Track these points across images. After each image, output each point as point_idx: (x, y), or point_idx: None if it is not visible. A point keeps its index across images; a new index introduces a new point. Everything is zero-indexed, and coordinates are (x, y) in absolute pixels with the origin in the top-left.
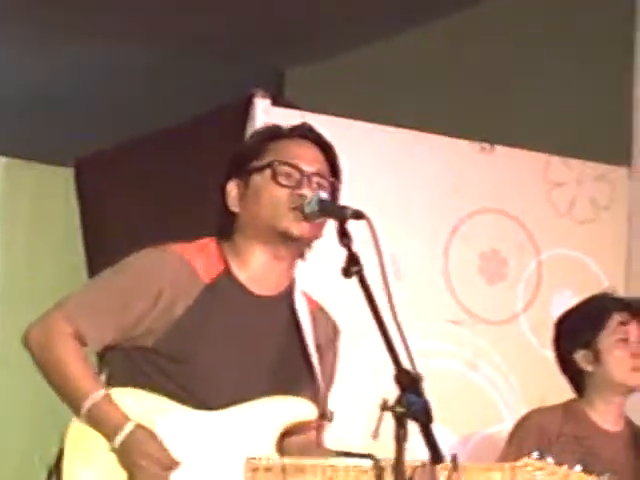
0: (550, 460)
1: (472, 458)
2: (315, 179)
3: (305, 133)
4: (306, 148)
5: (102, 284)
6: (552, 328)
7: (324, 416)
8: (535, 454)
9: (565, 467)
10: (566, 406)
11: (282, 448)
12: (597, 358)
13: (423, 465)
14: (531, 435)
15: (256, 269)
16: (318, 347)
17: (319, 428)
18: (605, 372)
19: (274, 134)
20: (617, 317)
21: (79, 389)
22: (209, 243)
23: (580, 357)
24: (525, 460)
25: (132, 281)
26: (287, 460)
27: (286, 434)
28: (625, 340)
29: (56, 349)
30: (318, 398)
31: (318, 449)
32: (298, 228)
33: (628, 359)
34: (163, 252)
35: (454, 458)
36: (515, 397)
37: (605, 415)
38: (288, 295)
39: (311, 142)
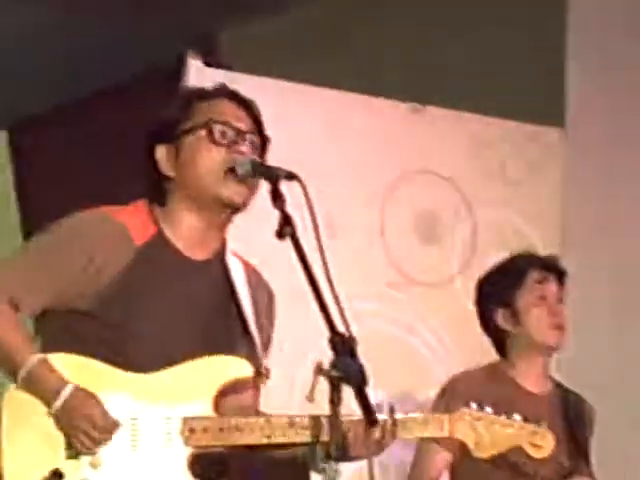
0: (489, 410)
1: None
2: (248, 136)
3: (228, 93)
4: (233, 107)
5: (34, 249)
6: (474, 288)
7: (260, 374)
8: (474, 405)
9: (504, 416)
10: (489, 369)
11: (219, 408)
12: (516, 317)
13: (359, 421)
14: (456, 401)
15: (189, 232)
16: (254, 309)
17: (256, 387)
18: (524, 331)
19: (199, 95)
20: (534, 275)
21: (15, 356)
22: (141, 206)
23: (500, 317)
24: (463, 410)
25: (63, 244)
26: (224, 419)
27: (223, 393)
28: (543, 298)
29: None
30: (255, 357)
31: (255, 409)
32: (232, 193)
33: (546, 317)
34: (94, 216)
35: (391, 410)
36: (451, 360)
37: (528, 376)
38: (221, 258)
39: (235, 101)
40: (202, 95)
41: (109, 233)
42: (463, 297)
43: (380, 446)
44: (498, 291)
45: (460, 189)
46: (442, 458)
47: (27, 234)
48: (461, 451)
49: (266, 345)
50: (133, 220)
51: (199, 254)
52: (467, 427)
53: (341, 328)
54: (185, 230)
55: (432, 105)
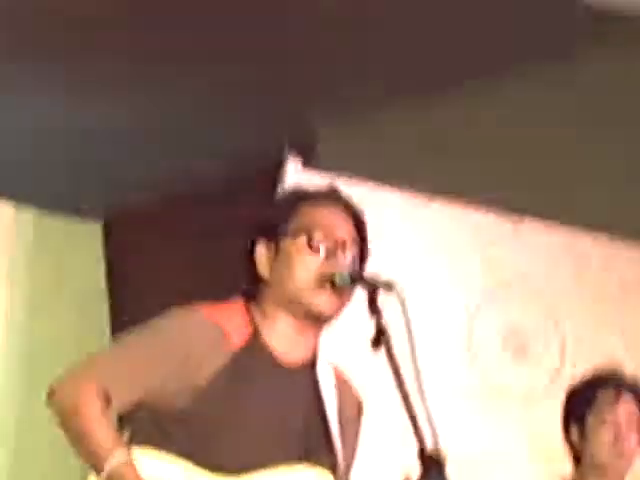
0: None
1: None
2: (347, 247)
3: (334, 198)
4: (337, 214)
5: (128, 346)
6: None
7: None
8: None
9: None
10: None
11: None
12: (585, 436)
13: None
14: None
15: (282, 336)
16: (340, 421)
17: None
18: (589, 451)
19: (304, 197)
20: (608, 394)
21: (101, 451)
22: (238, 304)
23: (573, 433)
24: None
25: (158, 344)
26: None
27: None
28: (614, 420)
29: (80, 407)
30: (337, 471)
31: None
32: (324, 304)
33: (611, 441)
34: (192, 314)
35: None
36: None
37: None
38: (312, 365)
39: (341, 207)
40: (305, 197)
41: (206, 334)
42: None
43: None
44: (574, 407)
45: (552, 305)
46: None
47: (116, 331)
48: None
49: (349, 460)
50: (229, 321)
51: (292, 359)
52: None
53: (430, 444)
54: (279, 332)
55: (530, 217)
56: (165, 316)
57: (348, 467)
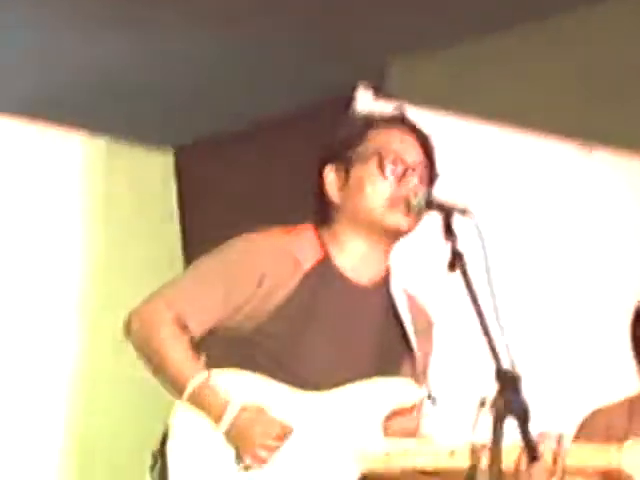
0: None
1: None
2: (417, 171)
3: (402, 122)
4: (406, 139)
5: (203, 270)
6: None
7: (429, 398)
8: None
9: None
10: (628, 402)
11: (386, 431)
12: None
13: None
14: (598, 434)
15: (354, 257)
16: (416, 335)
17: (420, 411)
18: None
19: (372, 123)
20: None
21: (179, 374)
22: (308, 229)
23: None
24: (631, 441)
25: (233, 268)
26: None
27: (391, 416)
28: None
29: (157, 336)
30: (419, 381)
31: (418, 433)
32: (406, 223)
33: None
34: (262, 239)
35: (559, 439)
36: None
37: None
38: (385, 284)
39: (409, 132)
40: (378, 122)
41: (277, 258)
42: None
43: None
44: None
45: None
46: None
47: (188, 256)
48: None
49: (424, 372)
50: (300, 244)
51: (364, 278)
52: (636, 459)
53: (506, 363)
54: (351, 254)
55: (601, 146)
56: (237, 241)
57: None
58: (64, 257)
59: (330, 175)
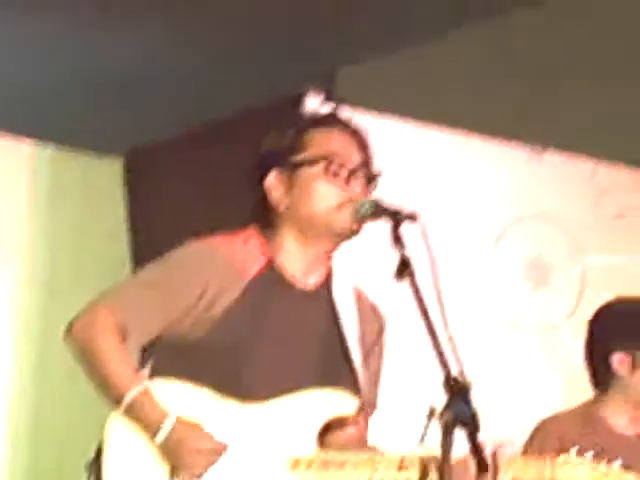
0: (588, 456)
1: None
2: (360, 172)
3: (340, 122)
4: (346, 139)
5: (147, 278)
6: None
7: (363, 410)
8: (573, 451)
9: (604, 463)
10: (580, 409)
11: (323, 443)
12: (635, 365)
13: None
14: (548, 441)
15: (299, 261)
16: (362, 339)
17: (357, 423)
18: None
19: (308, 123)
20: None
21: (118, 384)
22: (252, 235)
23: (616, 360)
24: (564, 457)
25: (176, 276)
26: (329, 454)
27: (328, 428)
28: None
29: (97, 343)
30: (358, 391)
31: (362, 443)
32: (346, 224)
33: None
34: (206, 247)
35: (494, 455)
36: (558, 405)
37: (621, 417)
38: (328, 287)
39: (347, 131)
40: (315, 122)
41: (221, 266)
42: (570, 342)
43: None
44: (619, 334)
45: (573, 234)
46: None
47: (137, 264)
48: None
49: (373, 379)
50: (244, 251)
51: (309, 282)
52: (568, 473)
53: (455, 372)
54: (295, 258)
55: (549, 148)
56: (180, 250)
57: (374, 385)
58: (9, 267)
59: (272, 181)
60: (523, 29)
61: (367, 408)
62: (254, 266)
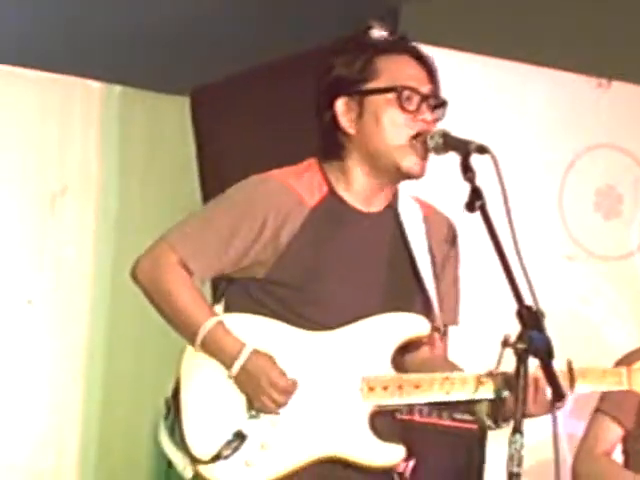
0: None
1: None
2: (431, 101)
3: (408, 48)
4: (416, 66)
5: (205, 215)
6: None
7: (437, 330)
8: None
9: None
10: None
11: (400, 365)
12: None
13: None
14: None
15: (361, 189)
16: (432, 255)
17: (433, 343)
18: None
19: (378, 50)
20: None
21: (191, 319)
22: (312, 165)
23: None
24: None
25: (235, 212)
26: (403, 376)
27: (404, 350)
28: None
29: (165, 279)
30: (431, 312)
31: (443, 363)
32: (420, 168)
33: None
34: (264, 180)
35: (569, 363)
36: (627, 334)
37: None
38: (394, 209)
39: (415, 58)
40: (385, 49)
41: (280, 198)
42: None
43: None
44: None
45: None
46: (614, 432)
47: (207, 200)
48: (636, 425)
49: (452, 291)
50: (304, 182)
51: (371, 207)
52: None
53: (529, 301)
54: (358, 187)
55: (617, 79)
56: (239, 185)
57: (453, 297)
58: (81, 206)
59: (342, 107)
60: None
61: (445, 324)
62: (315, 195)
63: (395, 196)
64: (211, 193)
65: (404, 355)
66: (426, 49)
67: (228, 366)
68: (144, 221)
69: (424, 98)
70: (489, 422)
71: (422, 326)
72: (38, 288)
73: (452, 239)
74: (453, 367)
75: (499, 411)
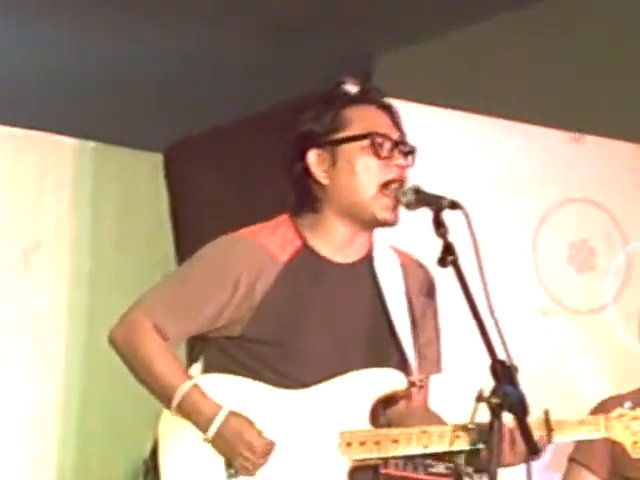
0: None
1: (560, 449)
2: (402, 147)
3: (373, 98)
4: (383, 115)
5: (178, 278)
6: None
7: (414, 385)
8: (627, 404)
9: None
10: (637, 394)
11: (375, 421)
12: None
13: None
14: None
15: (336, 241)
16: (410, 305)
17: (410, 397)
18: None
19: (345, 101)
20: None
21: (167, 383)
22: (284, 220)
23: None
24: (619, 411)
25: (207, 273)
26: (380, 431)
27: (383, 405)
28: None
29: (140, 346)
30: (406, 364)
31: (424, 414)
32: (395, 217)
33: None
34: (235, 240)
35: (546, 413)
36: (602, 387)
37: None
38: (369, 259)
39: (381, 107)
40: (351, 100)
41: (252, 256)
42: (616, 326)
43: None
44: None
45: (615, 218)
46: None
47: (182, 259)
48: (610, 474)
49: (432, 342)
50: (275, 238)
51: (348, 258)
52: (623, 427)
53: (502, 356)
54: (333, 237)
55: (589, 133)
56: (210, 246)
57: (434, 348)
58: (55, 262)
59: (315, 158)
60: (559, 14)
61: (427, 375)
62: (287, 250)
63: (371, 246)
64: (185, 249)
65: (385, 410)
66: (400, 104)
67: (204, 429)
68: (118, 277)
69: (396, 144)
70: (467, 470)
71: (398, 381)
72: (12, 344)
73: (430, 288)
74: (435, 418)
75: (476, 460)
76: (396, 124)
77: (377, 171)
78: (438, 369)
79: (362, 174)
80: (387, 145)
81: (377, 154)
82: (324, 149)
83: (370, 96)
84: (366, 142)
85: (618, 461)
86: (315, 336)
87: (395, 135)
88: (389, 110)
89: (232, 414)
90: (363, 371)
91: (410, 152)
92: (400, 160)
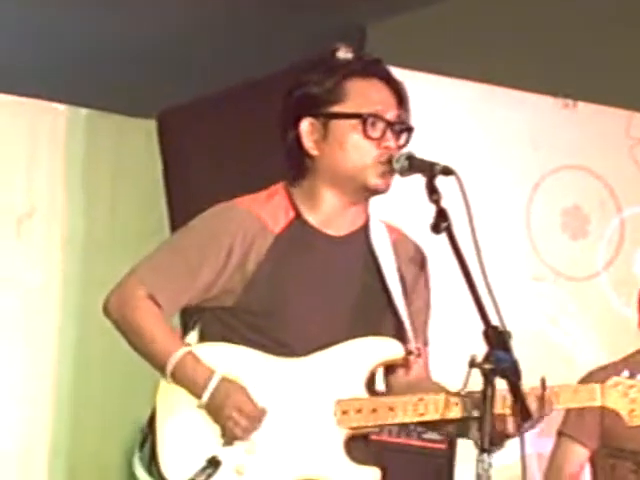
0: None
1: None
2: (397, 127)
3: (379, 71)
4: (385, 90)
5: (172, 247)
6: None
7: (410, 353)
8: (625, 373)
9: None
10: (628, 358)
11: (372, 389)
12: None
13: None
14: None
15: (329, 212)
16: (402, 278)
17: (408, 365)
18: None
19: (348, 71)
20: None
21: (161, 351)
22: (278, 190)
23: None
24: (615, 379)
25: (201, 242)
26: (377, 399)
27: (386, 373)
28: None
29: (134, 314)
30: (404, 334)
31: (428, 384)
32: (386, 184)
33: None
34: (228, 208)
35: (543, 382)
36: (594, 354)
37: None
38: (364, 231)
39: (386, 82)
40: (355, 71)
41: (245, 226)
42: (608, 292)
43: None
44: None
45: (608, 184)
46: (580, 454)
47: (175, 224)
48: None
49: (424, 313)
50: (269, 207)
51: (340, 230)
52: (619, 395)
53: (495, 322)
54: (325, 208)
55: (582, 100)
56: (204, 215)
57: (422, 321)
58: (48, 229)
59: (307, 127)
60: None
61: (419, 346)
62: (280, 221)
63: (367, 218)
64: (179, 216)
65: (388, 379)
66: (393, 72)
67: (198, 395)
68: (111, 243)
69: (389, 125)
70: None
71: (395, 350)
72: (4, 312)
73: (421, 262)
74: (439, 387)
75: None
76: (399, 100)
77: (367, 150)
78: (424, 341)
79: (351, 152)
80: (380, 125)
81: (367, 135)
82: (318, 119)
83: (375, 68)
84: (357, 121)
85: (610, 433)
86: (307, 307)
87: (391, 114)
88: (393, 85)
89: (225, 379)
90: (360, 339)
91: (405, 130)
92: (390, 142)
